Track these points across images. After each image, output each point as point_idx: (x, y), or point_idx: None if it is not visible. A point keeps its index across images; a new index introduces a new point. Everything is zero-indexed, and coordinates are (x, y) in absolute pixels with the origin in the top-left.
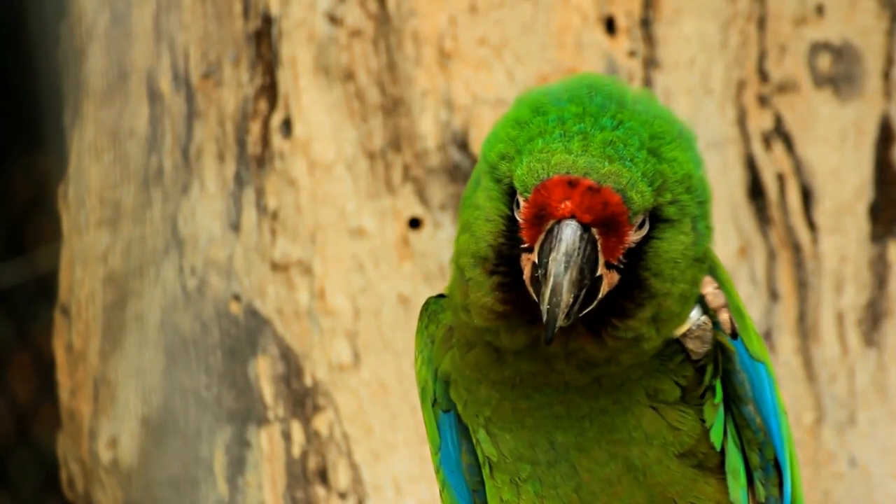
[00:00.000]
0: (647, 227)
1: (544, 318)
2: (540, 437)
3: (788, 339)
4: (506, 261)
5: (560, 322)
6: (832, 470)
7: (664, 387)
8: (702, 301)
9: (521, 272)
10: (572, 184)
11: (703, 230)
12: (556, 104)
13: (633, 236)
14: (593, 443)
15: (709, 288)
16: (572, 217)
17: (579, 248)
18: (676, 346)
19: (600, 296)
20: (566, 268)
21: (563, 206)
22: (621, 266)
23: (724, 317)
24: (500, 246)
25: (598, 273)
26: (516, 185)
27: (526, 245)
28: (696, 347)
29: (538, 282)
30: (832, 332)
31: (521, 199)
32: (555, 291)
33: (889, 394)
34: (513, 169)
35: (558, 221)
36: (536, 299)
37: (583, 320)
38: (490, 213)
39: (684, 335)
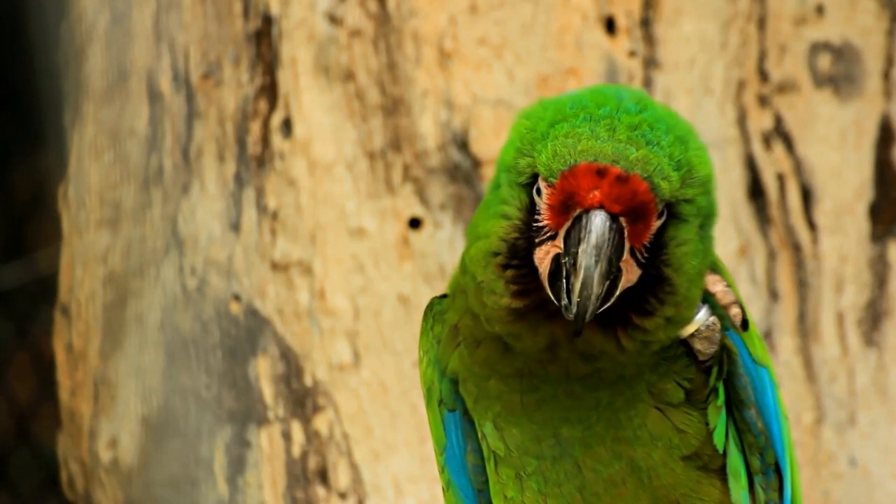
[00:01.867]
0: (665, 216)
1: (574, 310)
2: (546, 432)
3: (788, 339)
4: (518, 255)
5: (589, 315)
6: (832, 470)
7: (667, 387)
8: (710, 301)
9: (533, 267)
10: (601, 172)
11: (709, 239)
12: (570, 96)
13: (656, 223)
14: (598, 440)
15: (718, 286)
16: (601, 207)
17: (609, 239)
18: (681, 349)
19: (618, 292)
20: (597, 261)
21: (591, 195)
22: (643, 260)
23: (734, 311)
24: (514, 240)
25: (623, 259)
26: (541, 170)
27: (544, 235)
28: (703, 348)
29: (556, 278)
30: (832, 332)
31: (544, 185)
32: (585, 285)
33: (889, 394)
34: (535, 157)
35: (587, 210)
36: (553, 296)
37: (597, 318)
38: (505, 209)
39: (692, 336)
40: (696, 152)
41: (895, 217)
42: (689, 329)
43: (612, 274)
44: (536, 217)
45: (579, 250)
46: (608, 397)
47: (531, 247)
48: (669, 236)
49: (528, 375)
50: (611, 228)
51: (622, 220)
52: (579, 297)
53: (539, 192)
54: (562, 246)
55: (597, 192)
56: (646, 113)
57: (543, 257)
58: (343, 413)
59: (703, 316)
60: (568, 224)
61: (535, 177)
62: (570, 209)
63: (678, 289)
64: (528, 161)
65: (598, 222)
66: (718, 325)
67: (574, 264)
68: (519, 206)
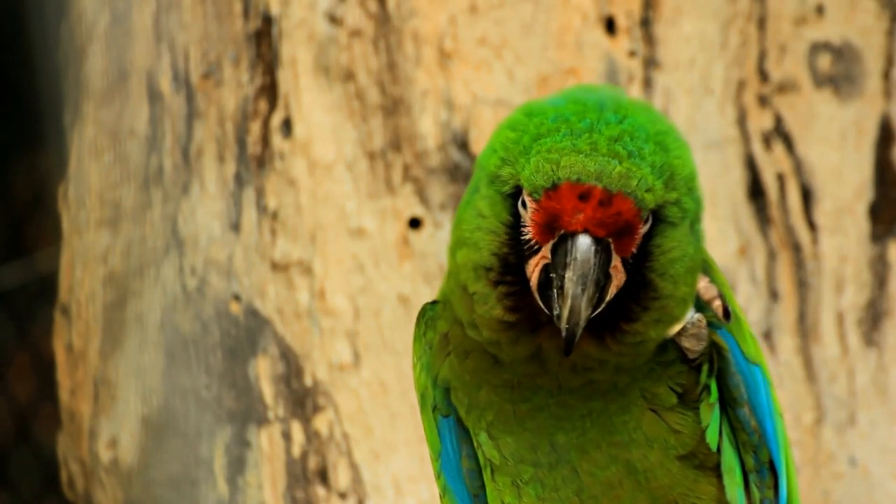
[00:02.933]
0: (650, 221)
1: (563, 334)
2: (541, 439)
3: (788, 339)
4: (511, 270)
5: (578, 334)
6: (832, 470)
7: (660, 391)
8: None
9: (526, 280)
10: (584, 196)
11: (699, 234)
12: (552, 105)
13: (642, 231)
14: (594, 445)
15: (702, 282)
16: (585, 231)
17: (595, 263)
18: (675, 354)
19: (608, 298)
20: (583, 289)
21: (575, 219)
22: (628, 266)
23: (716, 303)
24: (505, 255)
25: (612, 266)
26: (524, 185)
27: (532, 248)
28: (692, 346)
29: (546, 288)
30: (832, 332)
31: (528, 200)
32: (573, 311)
33: (889, 394)
34: (518, 171)
35: (571, 234)
36: (543, 306)
37: (587, 325)
38: (491, 222)
39: (679, 334)
40: (676, 153)
41: (895, 217)
42: (675, 328)
43: (600, 289)
44: (522, 229)
45: (565, 276)
46: (601, 406)
47: (521, 260)
48: (655, 243)
49: (518, 387)
50: (596, 252)
51: (608, 238)
52: (567, 322)
53: (524, 204)
54: (549, 257)
55: (580, 216)
56: (626, 122)
57: (533, 269)
58: (343, 413)
59: (688, 314)
60: (554, 240)
61: (518, 188)
62: (556, 230)
63: (663, 292)
64: (512, 173)
65: (583, 248)
66: (704, 322)
67: (561, 287)
68: (504, 220)
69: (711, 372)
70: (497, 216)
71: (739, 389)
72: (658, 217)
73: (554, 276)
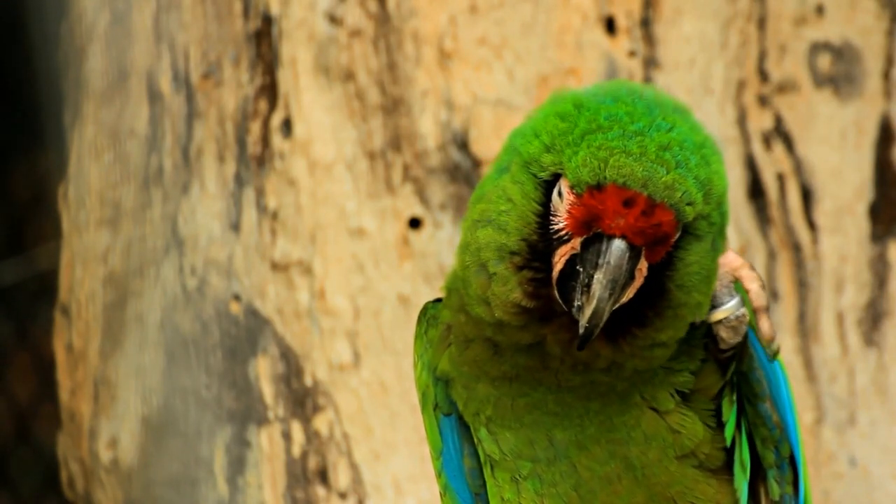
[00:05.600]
0: (680, 231)
1: (581, 331)
2: (539, 435)
3: (788, 339)
4: (537, 256)
5: (594, 336)
6: (832, 470)
7: (659, 396)
8: (741, 292)
9: (549, 268)
10: (628, 202)
11: (719, 247)
12: (600, 102)
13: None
14: (592, 441)
15: (754, 285)
16: (623, 237)
17: (626, 270)
18: (684, 364)
19: (624, 299)
20: (611, 293)
21: (616, 224)
22: (649, 270)
23: (764, 326)
24: (534, 242)
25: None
26: (568, 176)
27: (562, 237)
28: (728, 336)
29: (568, 278)
30: (832, 332)
31: (568, 192)
32: (596, 313)
33: (889, 394)
34: (562, 160)
35: (609, 236)
36: (559, 296)
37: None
38: (522, 208)
39: (720, 322)
40: (715, 167)
41: (895, 217)
42: (718, 315)
43: (624, 291)
44: (552, 217)
45: (595, 276)
46: (599, 406)
47: (549, 248)
48: (679, 255)
49: (516, 380)
50: (630, 258)
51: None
52: (588, 322)
53: (560, 193)
54: (578, 248)
55: (621, 222)
56: (674, 131)
57: (559, 258)
58: (343, 413)
59: (733, 305)
60: (588, 236)
61: (556, 176)
62: (592, 228)
63: (678, 301)
64: (555, 161)
65: (618, 254)
66: (747, 318)
67: (588, 286)
68: (534, 208)
69: (740, 366)
70: (528, 202)
71: (761, 384)
72: (686, 229)
73: (581, 270)
